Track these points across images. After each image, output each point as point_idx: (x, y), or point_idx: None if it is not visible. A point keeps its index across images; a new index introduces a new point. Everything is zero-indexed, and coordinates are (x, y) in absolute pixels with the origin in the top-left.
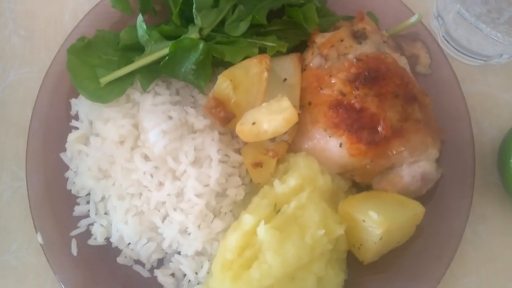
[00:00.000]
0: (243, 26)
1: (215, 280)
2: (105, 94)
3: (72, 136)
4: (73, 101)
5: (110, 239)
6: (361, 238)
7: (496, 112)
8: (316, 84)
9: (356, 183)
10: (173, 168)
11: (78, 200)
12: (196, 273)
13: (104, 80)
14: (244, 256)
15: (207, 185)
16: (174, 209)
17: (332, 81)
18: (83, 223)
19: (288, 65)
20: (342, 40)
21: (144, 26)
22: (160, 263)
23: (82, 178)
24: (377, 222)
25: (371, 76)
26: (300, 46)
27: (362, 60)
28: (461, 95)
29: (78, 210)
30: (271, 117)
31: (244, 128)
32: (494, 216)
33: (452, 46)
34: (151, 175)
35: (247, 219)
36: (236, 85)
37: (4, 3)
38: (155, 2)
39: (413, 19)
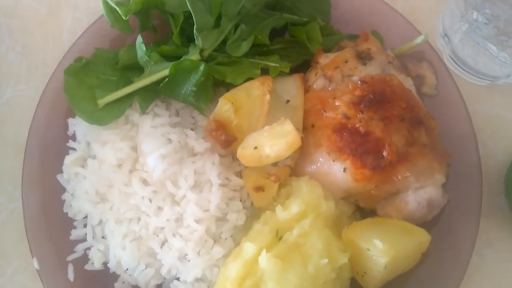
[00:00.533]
0: (245, 46)
1: None
2: (103, 116)
3: (69, 159)
4: (70, 121)
5: (108, 264)
6: (365, 266)
7: (503, 134)
8: (319, 106)
9: (360, 207)
10: (172, 192)
11: (75, 224)
12: None
13: (102, 101)
14: (244, 286)
15: (207, 210)
16: (173, 235)
17: (336, 104)
18: (80, 248)
19: (291, 86)
20: (346, 61)
21: (144, 48)
22: None
23: (79, 201)
24: (382, 251)
25: (376, 99)
26: (302, 65)
27: (367, 82)
28: (467, 118)
29: (75, 233)
30: (273, 142)
31: (245, 152)
32: (501, 240)
33: (459, 66)
34: (150, 200)
35: (248, 247)
36: (237, 108)
37: (0, 18)
38: (154, 18)
39: (419, 40)
